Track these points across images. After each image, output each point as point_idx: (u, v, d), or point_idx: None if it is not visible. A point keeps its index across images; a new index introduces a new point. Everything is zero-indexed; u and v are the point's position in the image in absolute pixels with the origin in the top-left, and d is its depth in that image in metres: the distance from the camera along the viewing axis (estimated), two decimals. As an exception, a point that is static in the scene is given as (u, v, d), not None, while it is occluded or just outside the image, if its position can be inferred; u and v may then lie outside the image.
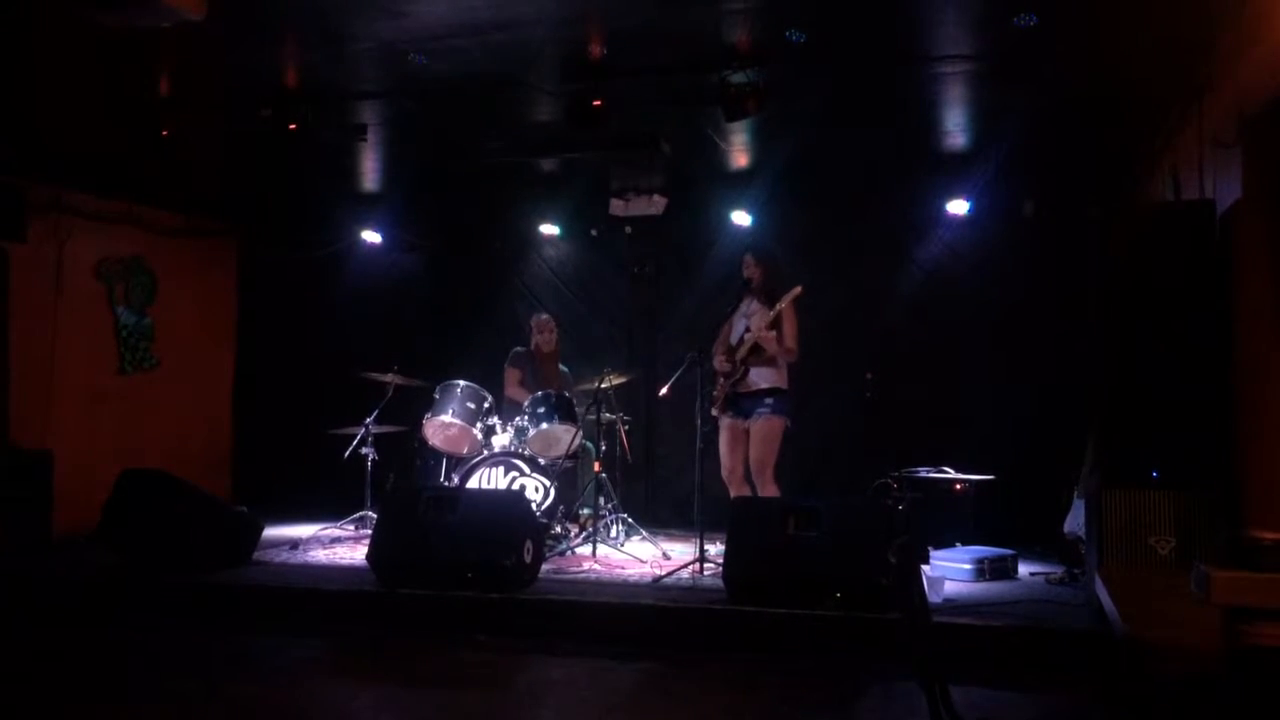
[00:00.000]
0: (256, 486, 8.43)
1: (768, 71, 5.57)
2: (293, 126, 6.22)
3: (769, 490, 6.17)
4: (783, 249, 7.18)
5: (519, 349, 7.68)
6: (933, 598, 5.15)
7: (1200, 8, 4.61)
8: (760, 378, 6.25)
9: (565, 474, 7.11)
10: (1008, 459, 7.02)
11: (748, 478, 6.32)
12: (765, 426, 6.22)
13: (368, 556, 5.82)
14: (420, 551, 5.59)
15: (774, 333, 6.14)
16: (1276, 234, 4.38)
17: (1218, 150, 4.96)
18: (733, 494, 6.31)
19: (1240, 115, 4.50)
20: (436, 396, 7.19)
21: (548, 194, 8.39)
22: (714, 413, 6.36)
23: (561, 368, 7.73)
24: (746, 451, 6.30)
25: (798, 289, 6.12)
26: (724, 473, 6.41)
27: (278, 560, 6.56)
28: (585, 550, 6.63)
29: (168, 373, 8.41)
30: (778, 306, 6.14)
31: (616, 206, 7.89)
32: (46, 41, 5.43)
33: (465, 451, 7.20)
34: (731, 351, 6.35)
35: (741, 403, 6.31)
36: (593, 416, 7.02)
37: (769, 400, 6.22)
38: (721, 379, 6.36)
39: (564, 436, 6.95)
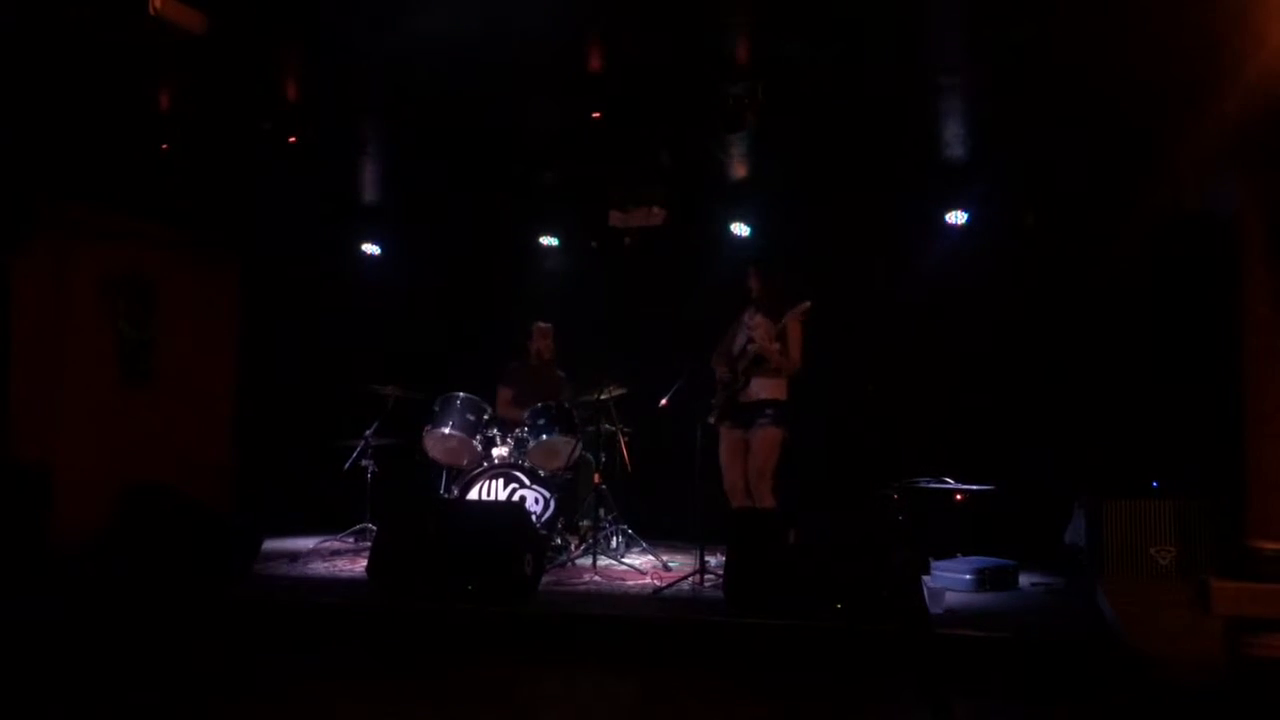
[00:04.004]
0: (256, 499, 8.42)
1: (766, 83, 5.58)
2: (293, 139, 6.24)
3: (765, 500, 6.16)
4: (782, 260, 7.18)
5: (511, 364, 7.73)
6: (933, 609, 5.14)
7: (1202, 16, 4.62)
8: (761, 388, 6.25)
9: (565, 486, 7.11)
10: (1008, 469, 7.01)
11: (748, 489, 6.31)
12: (764, 436, 6.21)
13: (367, 569, 5.82)
14: (420, 564, 5.59)
15: (777, 345, 6.15)
16: (1278, 242, 4.39)
17: (1220, 158, 4.97)
18: (734, 506, 6.30)
19: (1242, 123, 4.51)
20: (436, 409, 7.19)
21: (547, 205, 8.40)
22: (711, 421, 6.35)
23: (559, 373, 7.75)
24: (745, 462, 6.29)
25: (806, 304, 6.12)
26: (725, 485, 6.39)
27: (277, 573, 6.55)
28: (585, 562, 6.62)
29: (169, 386, 8.40)
30: (784, 320, 6.14)
31: (616, 218, 7.89)
32: (49, 55, 5.44)
33: (465, 463, 7.20)
34: (733, 362, 6.34)
35: (741, 413, 6.30)
36: (592, 428, 7.02)
37: (769, 411, 6.22)
38: (721, 388, 6.36)
39: (564, 448, 6.95)
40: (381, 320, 8.96)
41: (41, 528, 6.72)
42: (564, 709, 4.33)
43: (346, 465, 7.50)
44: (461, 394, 7.20)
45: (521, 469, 6.95)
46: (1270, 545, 3.12)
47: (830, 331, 7.28)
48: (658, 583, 6.04)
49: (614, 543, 7.08)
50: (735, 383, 6.28)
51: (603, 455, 7.06)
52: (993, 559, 6.19)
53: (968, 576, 5.91)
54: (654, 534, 7.36)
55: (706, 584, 5.86)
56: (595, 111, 5.90)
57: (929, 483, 7.02)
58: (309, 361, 8.92)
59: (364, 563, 6.00)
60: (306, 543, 7.47)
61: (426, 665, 4.93)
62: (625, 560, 6.73)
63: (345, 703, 4.39)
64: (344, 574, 6.56)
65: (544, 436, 6.97)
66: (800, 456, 6.63)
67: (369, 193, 8.34)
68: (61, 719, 4.18)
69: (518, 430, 7.12)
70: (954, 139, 6.75)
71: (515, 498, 6.86)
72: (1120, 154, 6.56)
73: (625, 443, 7.36)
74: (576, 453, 7.04)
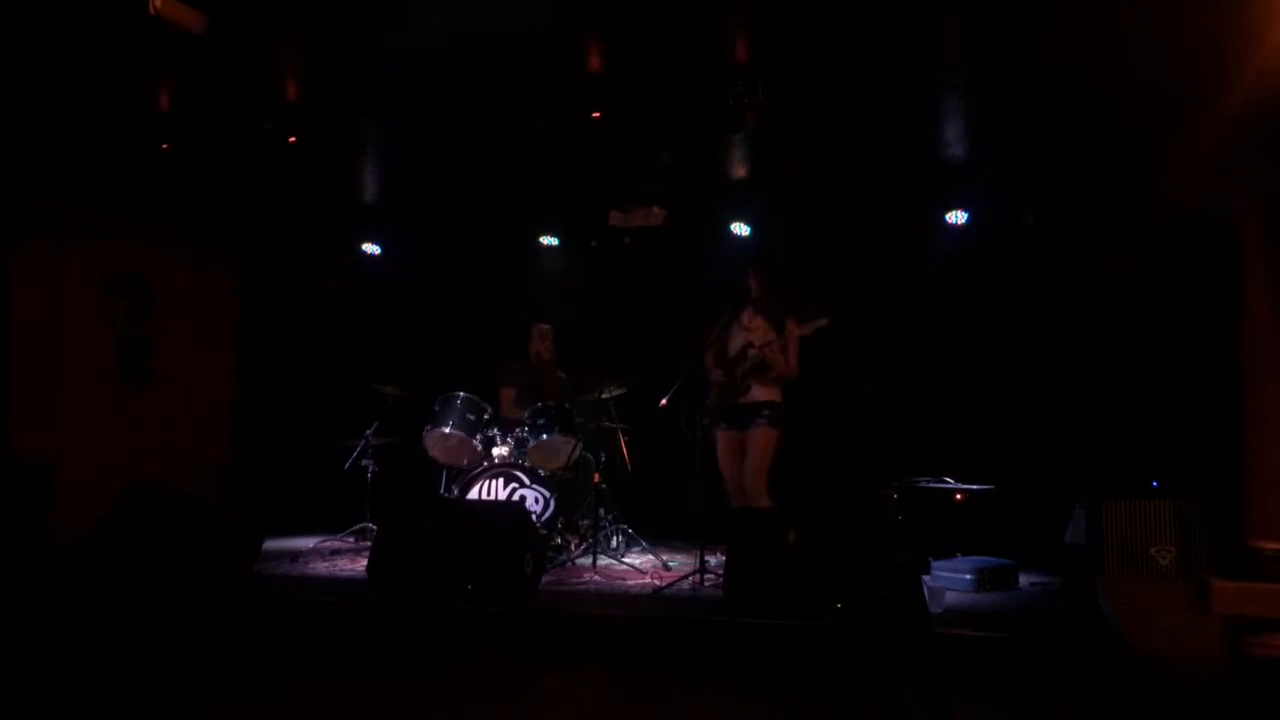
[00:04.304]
0: (256, 498, 8.42)
1: (766, 83, 5.58)
2: (292, 139, 6.24)
3: (760, 500, 6.15)
4: (782, 260, 7.18)
5: (512, 364, 7.74)
6: (933, 608, 5.15)
7: (1202, 16, 4.62)
8: (758, 391, 6.25)
9: (565, 485, 7.11)
10: (1008, 469, 7.01)
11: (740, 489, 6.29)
12: (761, 437, 6.20)
13: (368, 568, 5.82)
14: (420, 564, 5.59)
15: (783, 354, 6.14)
16: (1277, 242, 4.39)
17: (1219, 158, 4.97)
18: (735, 506, 6.29)
19: (1242, 122, 4.51)
20: (436, 408, 7.19)
21: (547, 205, 8.40)
22: (706, 423, 6.35)
23: (560, 374, 7.76)
24: (741, 462, 6.28)
25: (824, 321, 6.10)
26: (727, 487, 6.38)
27: (278, 572, 6.55)
28: (585, 561, 6.62)
29: (168, 385, 8.40)
30: (797, 331, 6.12)
31: (615, 217, 7.90)
32: (49, 54, 5.44)
33: (465, 463, 7.20)
34: (730, 363, 6.33)
35: (738, 415, 6.29)
36: (593, 427, 7.02)
37: (765, 412, 6.21)
38: (717, 389, 6.35)
39: (563, 448, 6.95)
40: (381, 320, 8.96)
41: (43, 526, 6.72)
42: (564, 708, 4.33)
43: (347, 465, 7.50)
44: (461, 393, 7.20)
45: (521, 468, 6.95)
46: (1270, 545, 3.12)
47: (830, 331, 7.28)
48: (658, 582, 6.04)
49: (614, 542, 7.08)
50: (736, 387, 6.26)
51: (603, 455, 7.06)
52: (992, 559, 6.19)
53: (967, 576, 5.91)
54: (654, 533, 7.36)
55: (706, 583, 5.86)
56: (595, 111, 5.90)
57: (929, 482, 7.02)
58: (309, 360, 8.92)
59: (364, 562, 6.00)
60: (306, 542, 7.47)
61: (426, 665, 4.93)
62: (625, 560, 6.73)
63: (345, 702, 4.39)
64: (344, 573, 6.56)
65: (544, 436, 6.98)
66: (800, 456, 6.63)
67: (368, 192, 8.34)
68: (61, 718, 4.18)
69: (518, 430, 7.12)
70: (954, 139, 6.75)
71: (515, 497, 6.86)
72: (1120, 154, 6.56)
73: (625, 442, 7.37)
74: (576, 452, 7.04)
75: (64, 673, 4.81)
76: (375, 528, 7.08)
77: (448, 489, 7.26)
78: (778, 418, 6.23)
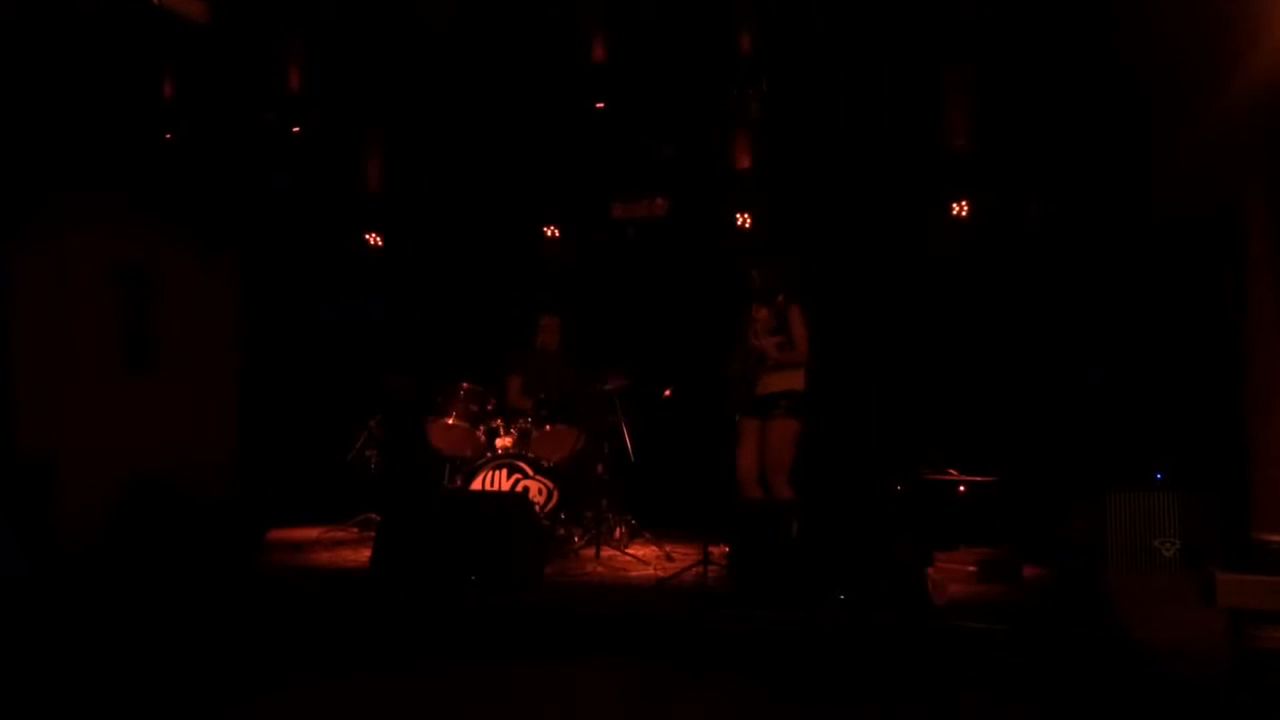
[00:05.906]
0: (260, 489, 8.44)
1: (771, 74, 5.57)
2: (296, 130, 6.24)
3: (782, 491, 6.13)
4: (785, 251, 7.16)
5: (520, 354, 7.73)
6: (937, 600, 5.14)
7: (1209, 8, 4.60)
8: (775, 381, 6.22)
9: (569, 476, 7.11)
10: (1012, 460, 7.01)
11: (761, 480, 6.28)
12: (781, 428, 6.18)
13: (371, 560, 5.83)
14: (424, 555, 5.59)
15: (778, 339, 6.14)
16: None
17: (1227, 153, 4.95)
18: (745, 496, 6.28)
19: (1248, 110, 4.49)
20: (440, 399, 7.19)
21: (550, 195, 8.39)
22: (733, 415, 6.35)
23: (566, 364, 7.76)
24: (762, 453, 6.27)
25: (795, 308, 6.14)
26: (738, 473, 6.35)
27: (281, 563, 6.56)
28: (589, 552, 6.62)
29: (172, 376, 8.41)
30: (784, 312, 6.14)
31: (618, 209, 7.89)
32: (54, 44, 5.44)
33: (469, 453, 7.20)
34: (743, 358, 6.32)
35: (758, 404, 6.28)
36: (596, 418, 7.02)
37: (784, 402, 6.20)
38: (734, 384, 6.34)
39: (567, 438, 6.95)
40: (386, 310, 8.96)
41: (47, 518, 6.73)
42: (567, 700, 4.33)
43: (350, 455, 7.51)
44: (466, 384, 7.20)
45: (525, 459, 6.95)
46: (1276, 538, 3.11)
47: (833, 323, 7.27)
48: (661, 573, 6.04)
49: (617, 533, 7.08)
50: (751, 383, 6.26)
51: (606, 445, 7.06)
52: (996, 550, 6.18)
53: (971, 568, 5.91)
54: (657, 524, 7.37)
55: (710, 575, 5.86)
56: (599, 102, 5.90)
57: (933, 474, 7.01)
58: (312, 351, 8.92)
59: (367, 553, 6.01)
60: (310, 533, 7.47)
61: (429, 656, 4.93)
62: (629, 551, 6.74)
63: (348, 694, 4.40)
64: (348, 564, 6.56)
65: (548, 426, 6.98)
66: (805, 448, 6.63)
67: (372, 181, 8.33)
68: (61, 713, 4.19)
69: (521, 420, 7.12)
70: (959, 129, 6.73)
71: (519, 488, 6.85)
72: (1125, 143, 6.54)
73: (629, 433, 7.36)
74: (580, 443, 7.04)
75: (66, 667, 4.82)
76: (378, 518, 7.08)
77: (451, 480, 7.26)
78: (797, 407, 6.19)
